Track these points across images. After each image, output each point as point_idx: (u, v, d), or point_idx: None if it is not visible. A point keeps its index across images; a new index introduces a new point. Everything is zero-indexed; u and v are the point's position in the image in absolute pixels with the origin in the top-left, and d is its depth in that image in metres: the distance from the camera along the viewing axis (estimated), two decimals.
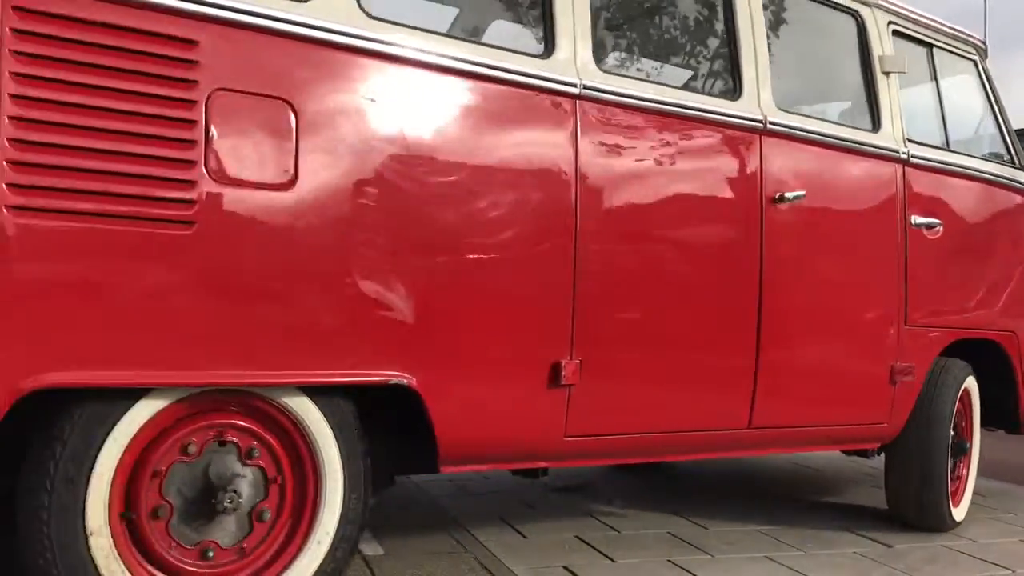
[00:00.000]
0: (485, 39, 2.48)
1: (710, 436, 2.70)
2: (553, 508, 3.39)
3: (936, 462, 3.23)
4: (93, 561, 1.78)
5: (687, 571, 2.66)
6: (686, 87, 2.68)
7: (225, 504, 1.91)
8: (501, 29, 2.51)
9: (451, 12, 2.59)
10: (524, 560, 2.68)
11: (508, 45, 2.31)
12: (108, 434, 1.80)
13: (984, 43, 3.70)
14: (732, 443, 2.78)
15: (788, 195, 2.75)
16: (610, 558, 2.76)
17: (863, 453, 3.26)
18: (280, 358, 1.93)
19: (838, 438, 3.10)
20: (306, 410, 2.02)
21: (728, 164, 2.68)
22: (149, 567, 1.87)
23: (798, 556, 2.90)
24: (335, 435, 2.05)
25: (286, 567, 2.02)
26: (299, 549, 2.04)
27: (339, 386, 2.03)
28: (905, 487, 3.28)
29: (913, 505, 3.28)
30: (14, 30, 1.66)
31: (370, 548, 2.72)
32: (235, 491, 1.94)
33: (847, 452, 3.34)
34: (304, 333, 1.95)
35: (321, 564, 2.04)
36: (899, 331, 3.09)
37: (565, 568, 2.62)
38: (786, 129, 2.80)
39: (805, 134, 2.86)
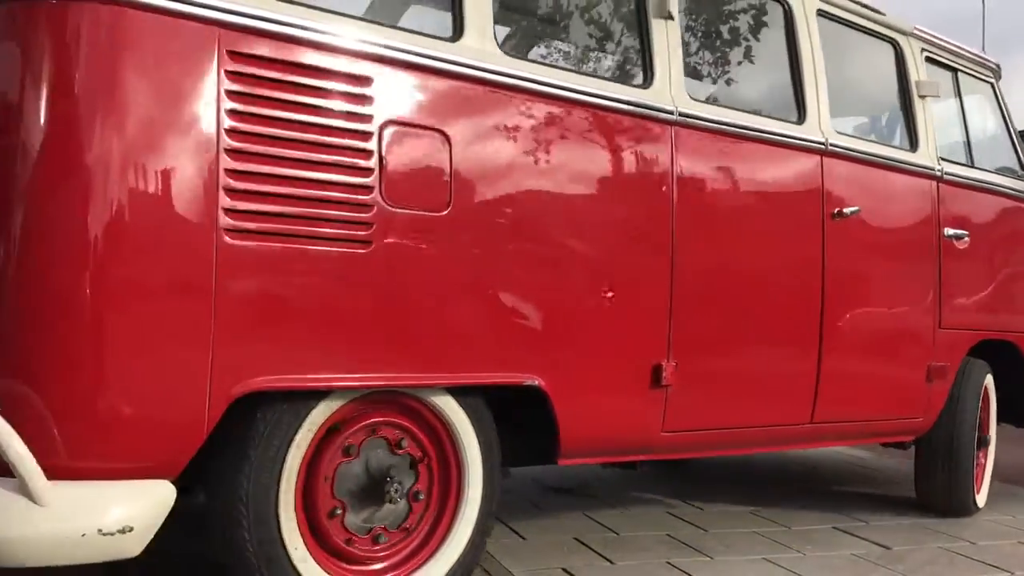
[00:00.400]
0: (588, 70, 2.69)
1: (779, 431, 2.97)
2: (551, 510, 3.40)
3: (964, 453, 3.54)
4: (290, 560, 1.99)
5: (686, 573, 2.68)
6: (759, 113, 2.93)
7: (392, 494, 2.13)
8: (606, 62, 2.72)
9: (556, 46, 2.79)
10: (522, 562, 2.70)
11: (611, 76, 2.54)
12: (292, 440, 2.00)
13: (998, 65, 4.01)
14: (796, 437, 3.06)
15: (846, 211, 3.02)
16: (609, 560, 2.76)
17: (900, 445, 3.55)
18: (438, 362, 2.14)
19: (881, 431, 3.38)
20: (450, 408, 2.24)
21: (795, 182, 2.94)
22: (334, 560, 2.08)
23: (796, 558, 2.91)
24: (474, 429, 2.27)
25: (443, 540, 2.25)
26: (451, 524, 2.26)
27: (477, 386, 2.25)
28: (935, 476, 3.58)
29: (942, 492, 3.58)
30: (228, 72, 1.86)
31: None
32: (398, 480, 2.15)
33: (885, 444, 3.61)
34: (456, 340, 2.17)
35: (468, 543, 2.27)
36: (935, 334, 3.38)
37: (564, 570, 2.64)
38: (843, 150, 3.07)
39: (859, 154, 3.13)
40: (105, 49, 1.78)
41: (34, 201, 1.73)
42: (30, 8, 1.79)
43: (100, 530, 1.69)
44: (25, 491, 1.63)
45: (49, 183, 1.73)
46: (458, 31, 2.22)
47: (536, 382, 2.29)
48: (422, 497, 2.22)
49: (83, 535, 1.67)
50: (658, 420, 2.58)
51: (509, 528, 3.09)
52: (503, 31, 2.29)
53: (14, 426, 1.64)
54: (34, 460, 1.63)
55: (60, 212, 1.73)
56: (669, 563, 2.77)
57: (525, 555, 2.77)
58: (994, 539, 3.30)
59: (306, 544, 2.02)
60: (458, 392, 2.24)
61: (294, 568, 1.99)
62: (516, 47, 2.36)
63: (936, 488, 3.60)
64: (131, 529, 1.73)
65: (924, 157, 3.41)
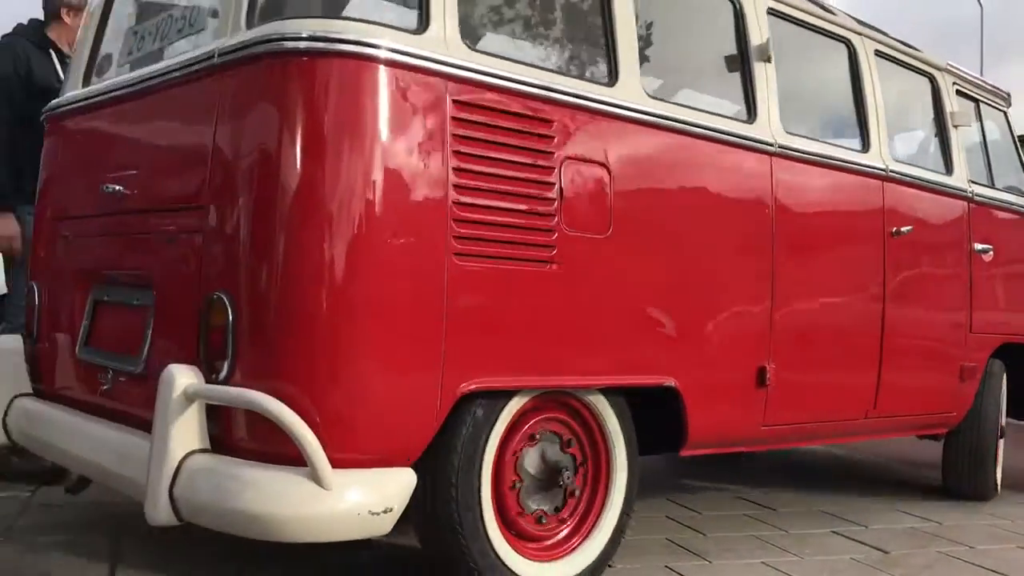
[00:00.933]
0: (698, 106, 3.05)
1: (848, 424, 3.36)
2: None
3: (988, 444, 3.99)
4: (485, 526, 2.30)
5: None
6: (832, 143, 3.32)
7: (563, 478, 2.46)
8: (712, 101, 3.08)
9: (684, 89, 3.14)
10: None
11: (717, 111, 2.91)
12: (491, 431, 2.31)
13: (1009, 95, 4.48)
14: (859, 429, 3.46)
15: (902, 229, 3.42)
16: (608, 564, 2.74)
17: (934, 437, 3.97)
18: (598, 366, 2.48)
19: (921, 424, 3.80)
20: (602, 405, 2.57)
21: (863, 203, 3.34)
22: (505, 530, 2.39)
23: (794, 561, 2.96)
24: (620, 424, 2.61)
25: (593, 527, 2.57)
26: (599, 514, 2.59)
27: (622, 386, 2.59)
28: (962, 464, 4.02)
29: (967, 478, 4.02)
30: (454, 118, 2.16)
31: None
32: (564, 466, 2.48)
33: (921, 436, 4.03)
34: (612, 346, 2.50)
35: (616, 525, 2.60)
36: (967, 338, 3.82)
37: None
38: (900, 175, 3.47)
39: (911, 179, 3.54)
40: (350, 98, 2.07)
41: (302, 234, 2.02)
42: (285, 63, 2.08)
43: (370, 511, 1.99)
44: (315, 478, 1.92)
45: (312, 218, 2.02)
46: (613, 77, 2.54)
47: (672, 383, 2.63)
48: (579, 483, 2.55)
49: (358, 515, 1.97)
50: (760, 415, 2.94)
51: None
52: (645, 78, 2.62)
53: None
54: (323, 452, 1.92)
55: (326, 243, 2.02)
56: (668, 567, 2.80)
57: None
58: (993, 543, 3.33)
59: (494, 515, 2.34)
60: (608, 392, 2.57)
61: (487, 534, 2.30)
62: (656, 90, 2.69)
63: (964, 474, 4.04)
64: (390, 510, 2.03)
65: (958, 180, 3.83)
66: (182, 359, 2.12)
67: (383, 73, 2.08)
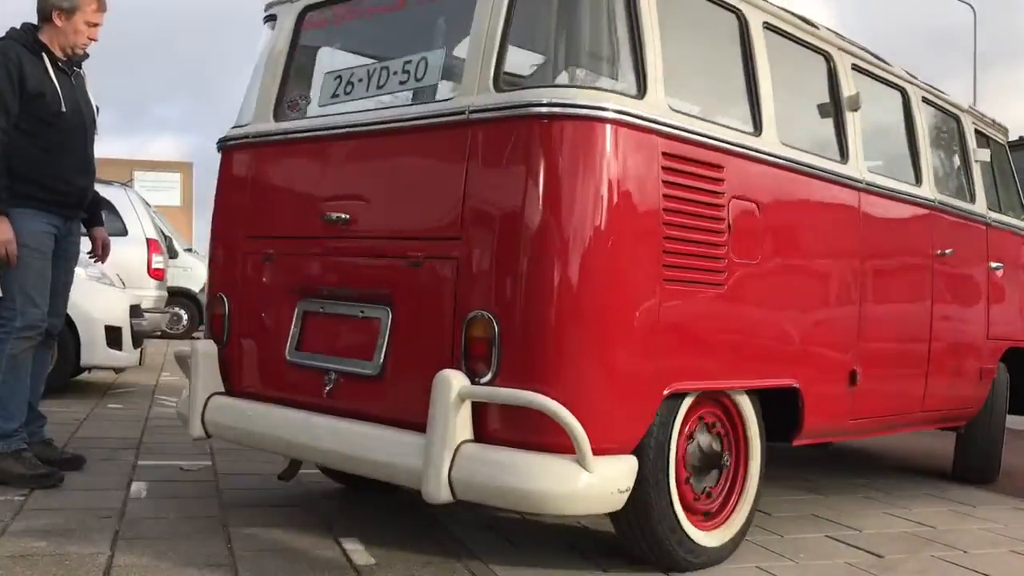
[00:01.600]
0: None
1: (904, 417, 3.95)
2: (547, 519, 3.39)
3: (997, 434, 4.65)
4: (673, 504, 2.79)
5: None
6: (895, 177, 3.90)
7: (723, 462, 3.00)
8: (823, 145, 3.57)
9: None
10: (518, 572, 2.78)
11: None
12: (675, 424, 2.80)
13: (1007, 129, 5.18)
14: (911, 422, 4.05)
15: (945, 251, 4.04)
16: (603, 570, 2.84)
17: (955, 429, 4.61)
18: (749, 370, 3.01)
19: (950, 418, 4.42)
20: (744, 403, 3.08)
21: (919, 230, 3.95)
22: (684, 507, 2.87)
23: (790, 566, 2.99)
24: (756, 418, 3.12)
25: (738, 501, 3.08)
26: (742, 492, 3.10)
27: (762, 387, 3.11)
28: (975, 451, 4.67)
29: (978, 464, 4.67)
30: (663, 167, 2.66)
31: (361, 558, 2.83)
32: (726, 453, 3.02)
33: (943, 428, 4.66)
34: (758, 354, 3.04)
35: (753, 500, 3.12)
36: (985, 343, 4.47)
37: None
38: (943, 206, 4.09)
39: (952, 208, 4.16)
40: (585, 151, 2.54)
41: (555, 264, 2.49)
42: (531, 124, 2.55)
43: (618, 489, 2.46)
44: (581, 462, 2.38)
45: (560, 251, 2.50)
46: (758, 129, 3.07)
47: (796, 384, 3.16)
48: (728, 467, 3.06)
49: (609, 493, 2.45)
50: (850, 411, 3.50)
51: (505, 539, 3.17)
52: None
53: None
54: (588, 442, 2.37)
55: (577, 273, 2.50)
56: (664, 572, 2.84)
57: (521, 564, 2.86)
58: (987, 548, 3.36)
59: (677, 495, 2.82)
60: (750, 392, 3.08)
61: (675, 511, 2.79)
62: (784, 138, 3.22)
63: (974, 461, 4.69)
64: (627, 489, 2.50)
65: (980, 207, 4.48)
66: (431, 364, 2.56)
67: (610, 131, 2.56)
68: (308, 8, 3.30)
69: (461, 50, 2.85)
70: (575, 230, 2.49)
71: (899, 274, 3.84)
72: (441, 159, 2.73)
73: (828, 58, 3.53)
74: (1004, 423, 4.69)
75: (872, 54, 3.88)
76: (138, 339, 6.77)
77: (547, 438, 2.44)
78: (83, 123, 3.87)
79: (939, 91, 4.38)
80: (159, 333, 12.09)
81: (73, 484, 3.67)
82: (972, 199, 4.48)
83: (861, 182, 3.52)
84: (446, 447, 2.45)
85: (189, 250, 16.00)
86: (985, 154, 4.57)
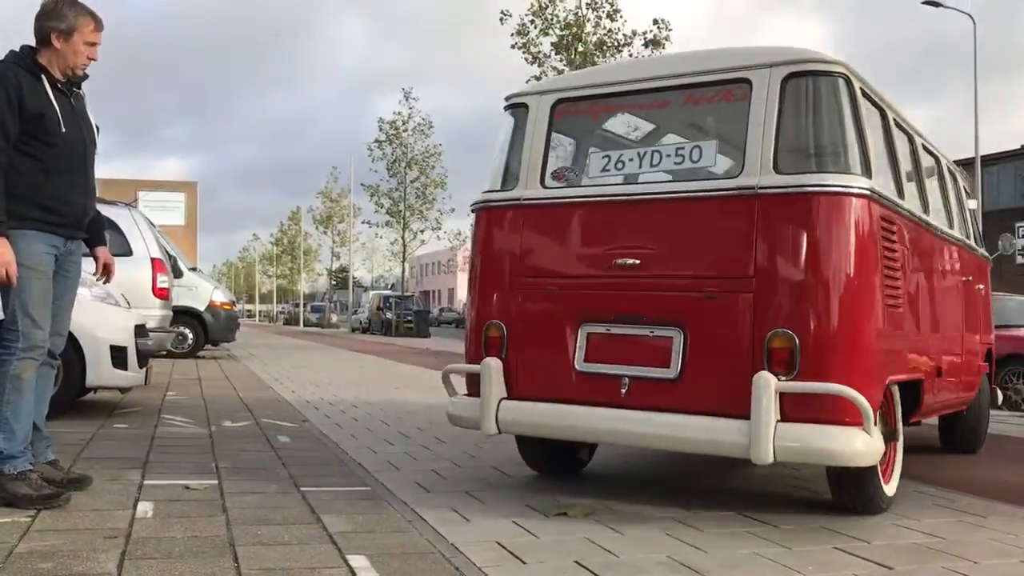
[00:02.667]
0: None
1: (951, 400, 5.20)
2: (551, 534, 3.44)
3: (985, 415, 6.24)
4: (878, 467, 3.93)
5: None
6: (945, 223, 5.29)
7: (895, 433, 4.19)
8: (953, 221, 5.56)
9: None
10: None
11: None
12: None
13: (966, 175, 6.82)
14: (952, 405, 5.29)
15: (968, 277, 5.47)
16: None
17: (959, 412, 5.86)
18: (905, 368, 4.14)
19: (965, 402, 5.62)
20: (896, 391, 4.14)
21: (956, 262, 5.35)
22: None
23: None
24: (900, 403, 4.17)
25: (894, 462, 4.20)
26: (895, 455, 4.19)
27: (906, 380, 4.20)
28: (966, 428, 6.08)
29: (967, 439, 6.10)
30: (880, 227, 3.80)
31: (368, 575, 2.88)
32: (895, 427, 4.19)
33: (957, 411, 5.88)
34: (912, 356, 4.23)
35: (900, 466, 4.27)
36: (979, 346, 5.86)
37: None
38: (964, 244, 5.62)
39: (966, 245, 5.72)
40: (846, 217, 3.60)
41: (835, 292, 3.60)
42: (809, 199, 3.62)
43: (882, 450, 3.64)
44: (868, 431, 3.50)
45: (831, 288, 3.58)
46: (902, 196, 4.24)
47: (922, 377, 4.33)
48: (896, 438, 4.21)
49: (879, 451, 3.59)
50: (936, 398, 4.68)
51: (509, 552, 3.18)
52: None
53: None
54: (873, 417, 3.52)
55: (848, 305, 3.61)
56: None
57: None
58: (997, 558, 3.32)
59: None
60: (899, 383, 4.13)
61: (879, 472, 3.96)
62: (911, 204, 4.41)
63: (968, 435, 6.09)
64: (883, 449, 3.70)
65: (979, 245, 6.21)
66: (733, 369, 3.59)
67: (857, 202, 3.65)
68: (561, 100, 4.25)
69: (726, 141, 4.09)
70: (844, 270, 3.57)
71: (951, 295, 5.09)
72: (732, 220, 3.69)
73: (911, 140, 4.79)
74: (989, 406, 6.19)
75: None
76: (143, 359, 6.78)
77: (835, 416, 3.47)
78: (83, 143, 3.89)
79: (953, 162, 5.86)
80: (164, 352, 12.09)
81: (79, 504, 3.68)
82: (969, 236, 5.93)
83: (939, 231, 4.91)
84: (769, 424, 3.46)
85: (194, 269, 16.04)
86: (973, 203, 6.07)
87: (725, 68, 3.88)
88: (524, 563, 3.07)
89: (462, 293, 78.44)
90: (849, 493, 3.92)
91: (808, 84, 3.72)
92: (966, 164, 34.70)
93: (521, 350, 4.09)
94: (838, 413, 3.45)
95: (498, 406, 4.04)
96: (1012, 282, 33.30)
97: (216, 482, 4.26)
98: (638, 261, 3.85)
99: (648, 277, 3.84)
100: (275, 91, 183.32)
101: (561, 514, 3.78)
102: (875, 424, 3.55)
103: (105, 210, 11.50)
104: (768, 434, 3.43)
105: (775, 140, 3.66)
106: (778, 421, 3.46)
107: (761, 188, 3.61)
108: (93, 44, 3.85)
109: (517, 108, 4.35)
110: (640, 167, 4.07)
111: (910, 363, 4.13)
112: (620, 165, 4.12)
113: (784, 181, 3.60)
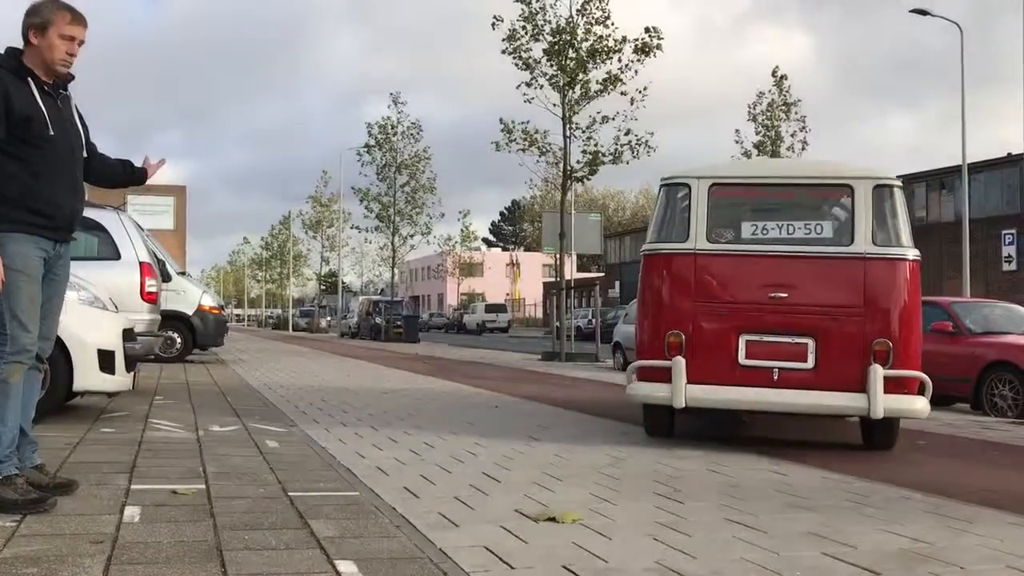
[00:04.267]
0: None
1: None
2: (540, 539, 3.44)
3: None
4: None
5: None
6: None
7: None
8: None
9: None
10: None
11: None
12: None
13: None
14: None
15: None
16: None
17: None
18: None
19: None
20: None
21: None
22: None
23: None
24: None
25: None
26: None
27: None
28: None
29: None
30: (909, 274, 5.88)
31: None
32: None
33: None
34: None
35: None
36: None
37: None
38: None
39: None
40: (910, 271, 6.04)
41: (913, 318, 6.14)
42: (895, 262, 6.06)
43: (928, 409, 5.95)
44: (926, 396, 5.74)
45: (910, 315, 6.06)
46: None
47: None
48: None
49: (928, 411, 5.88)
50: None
51: (497, 557, 3.18)
52: None
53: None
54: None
55: (914, 323, 6.16)
56: None
57: None
58: (985, 564, 3.32)
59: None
60: None
61: None
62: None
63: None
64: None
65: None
66: (851, 362, 5.90)
67: (914, 264, 6.09)
68: (715, 184, 6.33)
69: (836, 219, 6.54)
70: (911, 303, 6.01)
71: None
72: (848, 271, 6.04)
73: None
74: None
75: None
76: (131, 363, 6.75)
77: (911, 389, 5.94)
78: (71, 146, 3.88)
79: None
80: (152, 357, 12.04)
81: (65, 509, 3.66)
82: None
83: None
84: (879, 394, 5.77)
85: (182, 273, 15.98)
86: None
87: (836, 176, 6.40)
88: (512, 568, 3.06)
89: (452, 298, 78.49)
90: (881, 436, 6.31)
91: (887, 191, 6.20)
92: (953, 172, 34.95)
93: (697, 351, 6.07)
94: (912, 388, 5.96)
95: (685, 388, 6.01)
96: (999, 289, 33.56)
97: (203, 487, 4.24)
98: (785, 295, 6.05)
99: (792, 304, 6.04)
100: (268, 99, 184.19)
101: (550, 519, 3.78)
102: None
103: (94, 213, 11.45)
104: (879, 400, 5.77)
105: (872, 224, 6.06)
106: (880, 392, 5.80)
107: (868, 254, 6.03)
108: (72, 39, 3.78)
109: (679, 186, 6.43)
110: (780, 234, 6.26)
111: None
112: (765, 231, 6.31)
113: (879, 250, 6.04)
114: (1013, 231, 35.82)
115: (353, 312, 46.94)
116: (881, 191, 6.11)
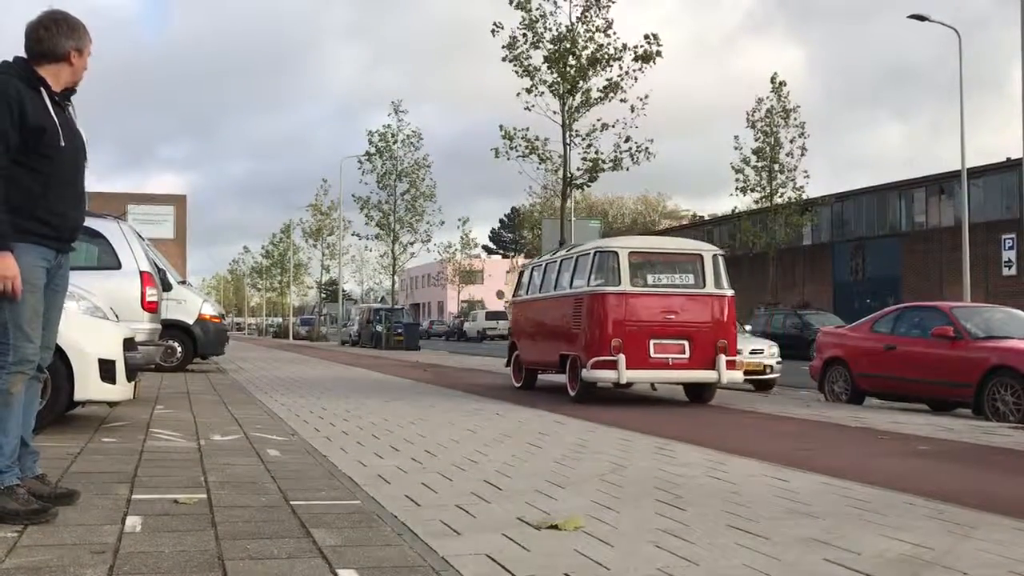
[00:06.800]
0: None
1: None
2: (541, 547, 3.44)
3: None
4: None
5: None
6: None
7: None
8: None
9: None
10: None
11: None
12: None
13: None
14: None
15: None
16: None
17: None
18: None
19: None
20: None
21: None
22: None
23: None
24: None
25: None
26: None
27: None
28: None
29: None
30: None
31: None
32: None
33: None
34: None
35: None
36: None
37: None
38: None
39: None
40: (732, 302, 10.69)
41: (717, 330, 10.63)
42: (723, 296, 10.57)
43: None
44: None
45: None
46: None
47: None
48: None
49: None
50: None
51: (499, 564, 3.19)
52: None
53: None
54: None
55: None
56: None
57: None
58: (986, 569, 3.30)
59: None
60: None
61: None
62: None
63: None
64: None
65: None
66: (710, 354, 10.23)
67: (732, 298, 10.72)
68: (631, 252, 10.47)
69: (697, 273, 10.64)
70: (731, 318, 10.62)
71: None
72: (704, 302, 10.39)
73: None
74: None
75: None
76: (132, 372, 6.75)
77: (735, 367, 10.53)
78: (78, 156, 3.91)
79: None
80: (153, 366, 12.04)
81: (67, 519, 3.66)
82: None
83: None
84: (723, 370, 10.21)
85: (183, 282, 15.99)
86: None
87: (693, 249, 10.78)
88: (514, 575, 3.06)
89: (452, 306, 78.46)
90: (704, 396, 10.69)
91: (719, 258, 10.58)
92: (952, 176, 34.98)
93: (628, 349, 10.02)
94: (736, 366, 10.41)
95: (624, 372, 10.04)
96: (999, 294, 33.56)
97: (205, 496, 4.24)
98: (674, 316, 10.17)
99: (679, 321, 10.18)
100: (270, 112, 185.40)
101: (552, 527, 3.78)
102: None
103: (94, 223, 11.46)
104: (723, 374, 10.15)
105: (713, 277, 10.38)
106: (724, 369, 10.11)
107: (712, 293, 10.32)
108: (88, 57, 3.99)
109: (610, 253, 10.50)
110: (668, 281, 10.47)
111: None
112: (659, 279, 10.46)
113: (717, 291, 10.32)
114: (1013, 236, 35.84)
115: (354, 320, 46.93)
116: (716, 258, 10.53)
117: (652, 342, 10.01)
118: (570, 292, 10.91)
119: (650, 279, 10.32)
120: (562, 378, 11.26)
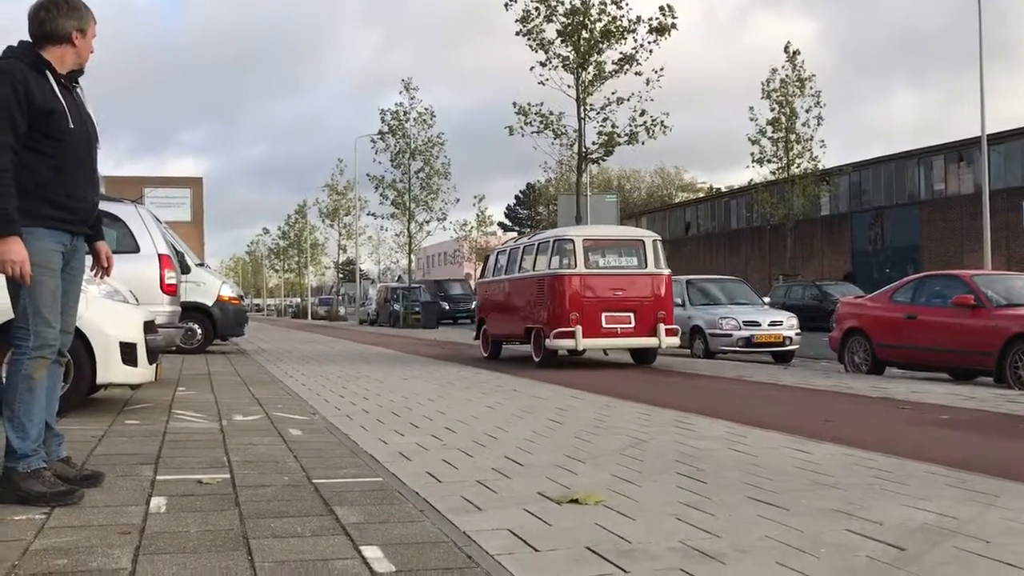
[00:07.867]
0: None
1: None
2: (562, 521, 3.45)
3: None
4: None
5: None
6: None
7: None
8: None
9: None
10: (536, 573, 2.81)
11: None
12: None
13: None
14: None
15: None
16: (622, 568, 2.84)
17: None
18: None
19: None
20: None
21: None
22: None
23: (812, 562, 2.94)
24: None
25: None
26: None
27: None
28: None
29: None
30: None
31: (382, 566, 2.86)
32: None
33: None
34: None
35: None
36: None
37: None
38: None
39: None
40: (670, 279, 12.86)
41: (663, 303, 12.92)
42: (662, 275, 12.73)
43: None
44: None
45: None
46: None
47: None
48: None
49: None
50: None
51: (521, 539, 3.19)
52: None
53: None
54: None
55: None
56: (683, 570, 2.84)
57: (538, 566, 2.89)
58: (1010, 537, 3.26)
59: None
60: None
61: None
62: None
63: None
64: None
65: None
66: (651, 324, 12.20)
67: (670, 277, 12.97)
68: (586, 239, 12.45)
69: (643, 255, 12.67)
70: (669, 293, 12.69)
71: None
72: (646, 280, 12.41)
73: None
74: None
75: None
76: (153, 355, 6.80)
77: (673, 334, 12.48)
78: (88, 138, 3.91)
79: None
80: (174, 348, 12.13)
81: (93, 501, 3.70)
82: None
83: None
84: (664, 337, 12.18)
85: (201, 265, 16.06)
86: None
87: (635, 236, 12.90)
88: (536, 551, 3.07)
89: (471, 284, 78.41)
90: (646, 358, 12.94)
91: (657, 242, 12.61)
92: (972, 143, 34.59)
93: (583, 320, 11.89)
94: (674, 333, 12.36)
95: (581, 340, 11.86)
96: (1020, 261, 33.24)
97: (228, 476, 4.28)
98: (622, 292, 12.22)
99: (625, 297, 12.22)
100: (286, 94, 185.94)
101: (573, 501, 3.79)
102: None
103: (112, 207, 11.54)
104: (663, 340, 12.12)
105: (653, 258, 12.39)
106: (664, 336, 12.16)
107: (652, 272, 12.36)
108: (93, 38, 3.97)
109: (567, 240, 12.33)
110: (617, 262, 12.52)
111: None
112: (609, 262, 12.50)
113: (656, 271, 12.37)
114: None
115: (371, 299, 47.06)
116: (655, 243, 12.42)
117: (604, 315, 11.98)
118: (534, 274, 12.89)
119: (601, 262, 12.37)
120: (525, 348, 13.28)
